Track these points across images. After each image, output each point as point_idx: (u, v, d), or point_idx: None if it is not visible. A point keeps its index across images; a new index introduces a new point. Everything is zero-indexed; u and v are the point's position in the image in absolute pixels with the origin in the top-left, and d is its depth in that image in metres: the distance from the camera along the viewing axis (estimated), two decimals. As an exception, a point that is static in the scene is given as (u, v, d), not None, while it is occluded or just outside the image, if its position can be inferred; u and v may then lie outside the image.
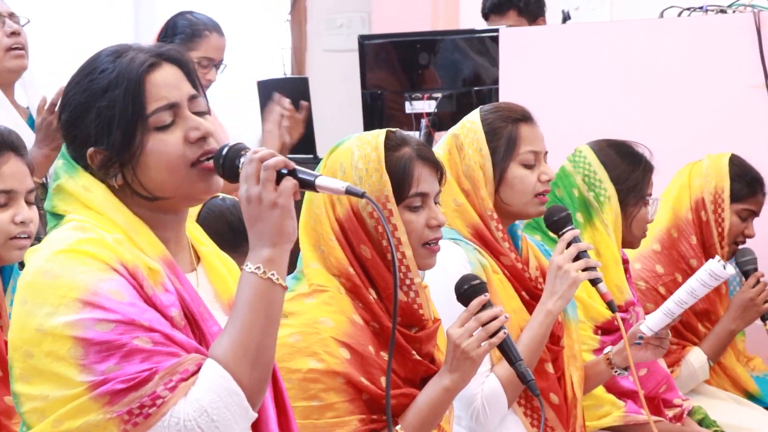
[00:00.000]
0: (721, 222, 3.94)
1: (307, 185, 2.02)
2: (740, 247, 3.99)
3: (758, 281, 3.93)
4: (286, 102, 4.61)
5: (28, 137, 3.62)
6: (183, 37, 4.59)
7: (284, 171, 2.00)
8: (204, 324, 2.05)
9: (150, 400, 1.90)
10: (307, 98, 5.21)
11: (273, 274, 1.99)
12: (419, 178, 2.62)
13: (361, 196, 2.04)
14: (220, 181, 2.09)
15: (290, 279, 2.62)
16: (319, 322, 2.51)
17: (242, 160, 2.02)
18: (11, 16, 4.03)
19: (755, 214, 4.02)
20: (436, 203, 2.66)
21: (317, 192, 2.06)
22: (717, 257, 3.15)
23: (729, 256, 3.99)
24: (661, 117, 4.44)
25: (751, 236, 4.00)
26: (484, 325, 2.59)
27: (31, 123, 4.01)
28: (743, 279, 3.98)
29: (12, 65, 4.01)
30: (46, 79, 4.59)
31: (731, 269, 3.10)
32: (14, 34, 3.99)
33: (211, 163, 2.05)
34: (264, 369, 1.99)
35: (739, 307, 3.94)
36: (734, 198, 3.96)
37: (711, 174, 3.97)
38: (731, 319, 3.95)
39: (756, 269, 3.95)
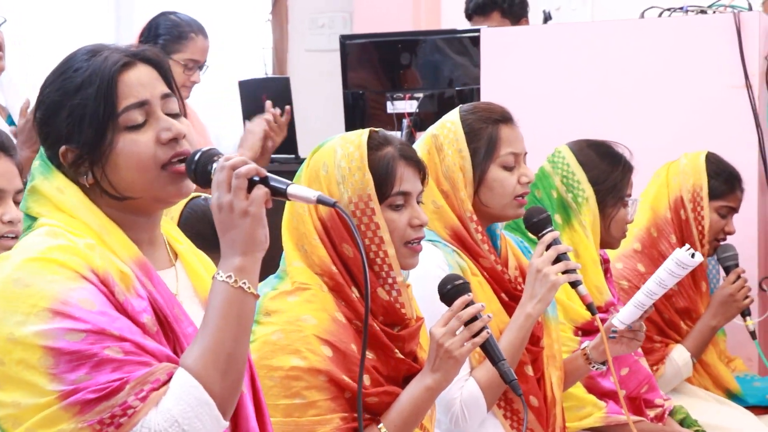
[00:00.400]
0: (701, 220, 3.95)
1: (279, 193, 2.02)
2: (722, 243, 4.00)
3: (738, 277, 3.95)
4: (269, 105, 4.59)
5: (7, 135, 3.60)
6: (168, 39, 4.56)
7: (256, 179, 2.00)
8: (178, 325, 2.05)
9: (121, 410, 1.89)
10: (289, 98, 5.19)
11: (245, 283, 1.99)
12: (402, 178, 2.62)
13: (332, 205, 2.05)
14: (190, 184, 2.08)
15: (273, 278, 2.65)
16: (301, 319, 2.51)
17: (214, 166, 2.02)
18: None
19: (734, 210, 4.04)
20: (418, 203, 2.66)
21: (288, 200, 2.05)
22: (686, 245, 3.13)
23: (710, 253, 4.00)
24: (642, 117, 4.45)
25: (731, 233, 4.02)
26: (467, 324, 2.59)
27: (9, 122, 3.99)
28: (724, 275, 3.98)
29: None
30: (25, 79, 4.56)
31: (699, 257, 3.06)
32: None
33: (182, 166, 2.05)
34: (235, 378, 1.99)
35: (720, 303, 3.95)
36: (713, 195, 3.97)
37: (688, 172, 3.98)
38: (712, 315, 3.97)
39: (737, 265, 3.98)
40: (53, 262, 1.95)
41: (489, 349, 2.66)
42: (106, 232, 2.04)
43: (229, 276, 1.98)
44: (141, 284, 2.02)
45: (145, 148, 2.03)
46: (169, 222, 2.23)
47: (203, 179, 2.03)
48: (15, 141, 3.79)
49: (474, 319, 2.60)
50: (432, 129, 3.15)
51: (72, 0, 7.49)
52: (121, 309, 1.96)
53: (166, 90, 2.09)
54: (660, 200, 4.00)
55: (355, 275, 2.59)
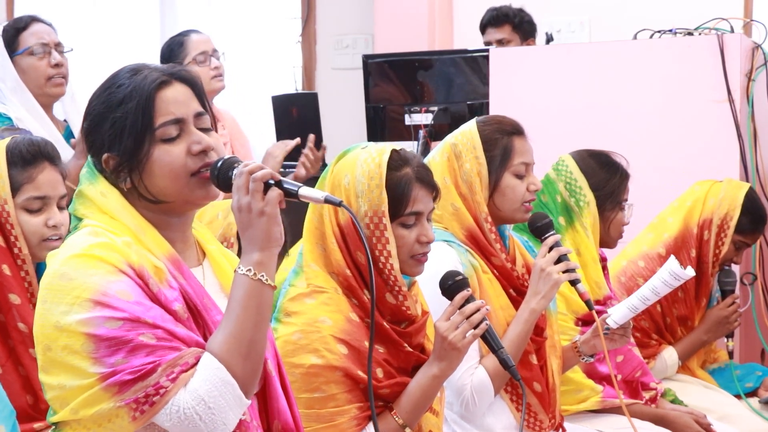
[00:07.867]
0: (720, 246, 3.92)
1: (291, 195, 2.03)
2: (725, 269, 3.99)
3: (734, 302, 3.92)
4: (311, 139, 4.51)
5: (64, 149, 3.56)
6: (168, 59, 4.44)
7: (271, 182, 2.01)
8: (207, 313, 2.06)
9: (154, 389, 1.91)
10: (317, 111, 5.15)
11: (263, 276, 1.99)
12: (415, 199, 2.58)
13: (338, 204, 2.06)
14: (217, 189, 2.09)
15: (290, 271, 2.62)
16: (319, 321, 2.50)
17: (234, 172, 2.02)
18: (57, 46, 4.01)
19: (748, 246, 4.01)
20: (428, 220, 2.62)
21: (300, 201, 2.04)
22: (671, 256, 3.12)
23: (713, 274, 3.96)
24: (635, 128, 4.48)
25: (738, 263, 4.02)
26: (468, 317, 2.57)
27: (66, 135, 3.96)
28: (719, 295, 3.95)
29: (52, 92, 4.00)
30: (84, 93, 4.53)
31: (691, 271, 3.04)
32: (57, 65, 3.97)
33: (208, 173, 2.06)
34: (255, 361, 2.00)
35: (714, 321, 3.95)
36: (738, 229, 3.92)
37: (726, 200, 3.94)
38: (705, 331, 3.97)
39: (733, 291, 3.96)
40: (94, 257, 1.96)
41: (489, 339, 2.66)
42: (142, 231, 2.05)
43: (249, 269, 1.98)
44: (173, 277, 2.03)
45: (178, 158, 2.04)
46: (201, 226, 2.24)
47: (225, 184, 2.04)
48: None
49: (474, 311, 2.58)
50: (450, 138, 3.10)
51: (123, 28, 7.53)
52: (155, 299, 1.98)
53: (200, 108, 2.09)
54: (693, 215, 3.96)
55: (367, 280, 2.57)
